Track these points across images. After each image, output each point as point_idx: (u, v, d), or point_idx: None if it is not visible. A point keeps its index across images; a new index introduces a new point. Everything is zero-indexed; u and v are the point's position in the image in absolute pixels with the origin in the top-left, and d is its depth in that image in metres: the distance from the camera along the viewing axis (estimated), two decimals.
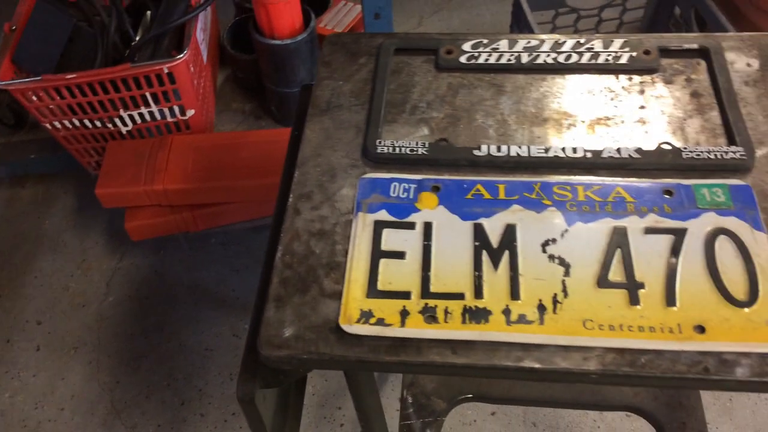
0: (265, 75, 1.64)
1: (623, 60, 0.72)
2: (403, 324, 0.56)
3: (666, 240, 0.59)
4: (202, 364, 1.46)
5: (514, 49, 0.75)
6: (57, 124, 1.48)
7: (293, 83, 1.60)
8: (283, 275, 0.60)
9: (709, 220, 0.60)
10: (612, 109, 0.70)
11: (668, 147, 0.65)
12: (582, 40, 0.74)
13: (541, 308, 0.56)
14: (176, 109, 1.48)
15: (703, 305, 0.55)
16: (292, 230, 0.63)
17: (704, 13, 1.48)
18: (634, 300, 0.56)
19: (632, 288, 0.56)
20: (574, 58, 0.73)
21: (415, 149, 0.67)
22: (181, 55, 1.36)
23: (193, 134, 1.56)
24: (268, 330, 0.57)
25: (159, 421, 1.38)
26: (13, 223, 1.75)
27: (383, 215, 0.63)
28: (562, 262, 0.58)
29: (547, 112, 0.70)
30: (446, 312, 0.56)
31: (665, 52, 0.73)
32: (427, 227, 0.62)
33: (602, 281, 0.57)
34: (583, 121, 0.69)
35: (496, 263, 0.59)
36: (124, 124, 1.49)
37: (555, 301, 0.56)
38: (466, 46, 0.75)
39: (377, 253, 0.60)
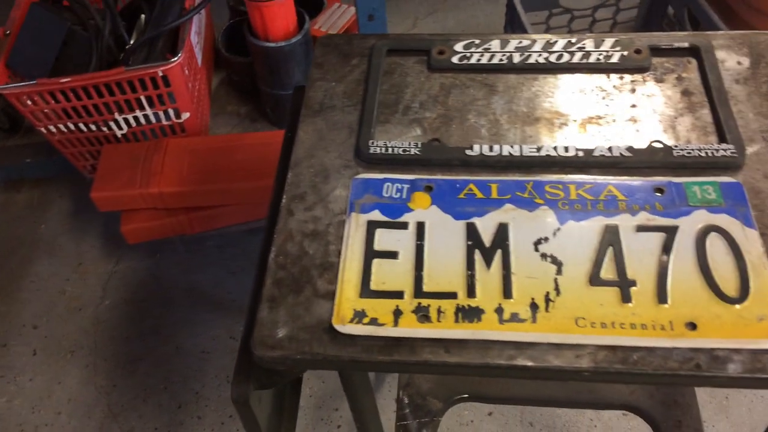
0: (260, 77, 1.64)
1: (614, 59, 0.72)
2: (396, 323, 0.56)
3: (657, 238, 0.59)
4: (198, 366, 1.46)
5: (506, 49, 0.75)
6: (52, 128, 1.48)
7: (288, 85, 1.61)
8: (276, 276, 0.60)
9: (701, 218, 0.60)
10: (603, 108, 0.70)
11: (659, 145, 0.65)
12: (573, 40, 0.75)
13: (534, 307, 0.56)
14: (171, 112, 1.48)
15: (694, 302, 0.55)
16: (286, 231, 0.63)
17: (697, 12, 1.49)
18: (626, 298, 0.56)
19: (624, 286, 0.57)
20: (566, 57, 0.73)
21: (407, 149, 0.67)
22: (176, 58, 1.36)
23: (189, 137, 1.56)
24: (261, 331, 0.57)
25: (156, 425, 1.38)
26: (9, 227, 1.75)
27: (376, 215, 0.63)
28: (555, 261, 0.59)
29: (539, 111, 0.70)
30: (439, 311, 0.56)
31: (656, 50, 0.73)
32: (420, 227, 0.62)
33: (594, 279, 0.57)
34: (574, 120, 0.69)
35: (488, 262, 0.59)
36: (119, 128, 1.50)
37: (547, 300, 0.56)
38: (458, 47, 0.76)
39: (370, 253, 0.60)
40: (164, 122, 1.51)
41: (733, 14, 1.69)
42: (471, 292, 0.57)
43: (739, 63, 0.72)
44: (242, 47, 1.64)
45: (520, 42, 0.75)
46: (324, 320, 0.57)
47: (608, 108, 0.70)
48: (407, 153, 0.67)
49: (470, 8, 2.21)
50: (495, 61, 0.74)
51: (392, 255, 0.60)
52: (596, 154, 0.65)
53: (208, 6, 1.65)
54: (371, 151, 0.67)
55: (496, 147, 0.66)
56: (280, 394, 0.75)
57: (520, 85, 0.73)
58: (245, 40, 1.57)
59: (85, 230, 1.72)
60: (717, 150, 0.64)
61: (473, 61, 0.74)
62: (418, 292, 0.58)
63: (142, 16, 1.58)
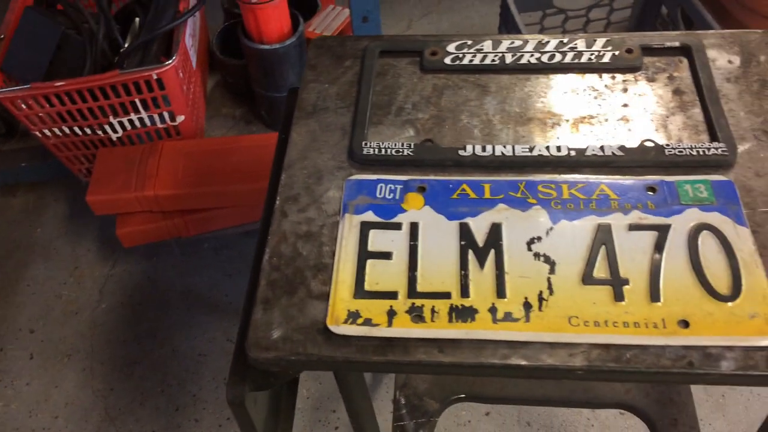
0: (255, 80, 1.64)
1: (606, 59, 0.73)
2: (390, 324, 0.56)
3: (650, 236, 0.59)
4: (195, 369, 1.46)
5: (498, 50, 0.75)
6: (47, 132, 1.48)
7: (283, 87, 1.61)
8: (270, 277, 0.60)
9: (692, 216, 0.60)
10: (595, 107, 0.70)
11: (651, 144, 0.65)
12: (565, 40, 0.75)
13: (527, 306, 0.56)
14: (166, 115, 1.48)
15: (686, 300, 0.55)
16: (279, 233, 0.63)
17: (690, 12, 1.49)
18: (618, 296, 0.56)
19: (617, 284, 0.57)
20: (558, 57, 0.74)
21: (400, 150, 0.67)
22: (170, 61, 1.36)
23: (184, 140, 1.56)
24: (256, 332, 0.57)
25: (153, 428, 1.38)
26: (5, 231, 1.75)
27: (370, 216, 0.63)
28: (548, 260, 0.59)
29: (532, 111, 0.71)
30: (433, 311, 0.57)
31: (648, 50, 0.74)
32: (414, 227, 0.62)
33: (587, 278, 0.57)
34: (567, 120, 0.69)
35: (482, 262, 0.59)
36: (114, 131, 1.50)
37: (540, 299, 0.57)
38: (451, 48, 0.76)
39: (364, 254, 0.61)
40: (159, 125, 1.51)
41: (726, 14, 1.70)
42: (464, 292, 0.58)
43: (730, 62, 0.72)
44: (237, 50, 1.64)
45: (512, 42, 0.75)
46: (318, 321, 0.57)
47: (600, 108, 0.70)
48: (400, 154, 0.67)
49: (465, 10, 2.21)
50: (487, 61, 0.74)
51: (386, 255, 0.61)
52: (588, 153, 0.65)
53: (202, 9, 1.65)
54: (364, 152, 0.67)
55: (489, 147, 0.67)
56: (276, 395, 0.75)
57: (512, 85, 0.73)
58: (240, 42, 1.57)
59: (80, 234, 1.72)
60: (708, 148, 0.64)
61: (466, 61, 0.75)
62: (412, 292, 0.58)
63: (137, 19, 1.58)
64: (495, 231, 0.61)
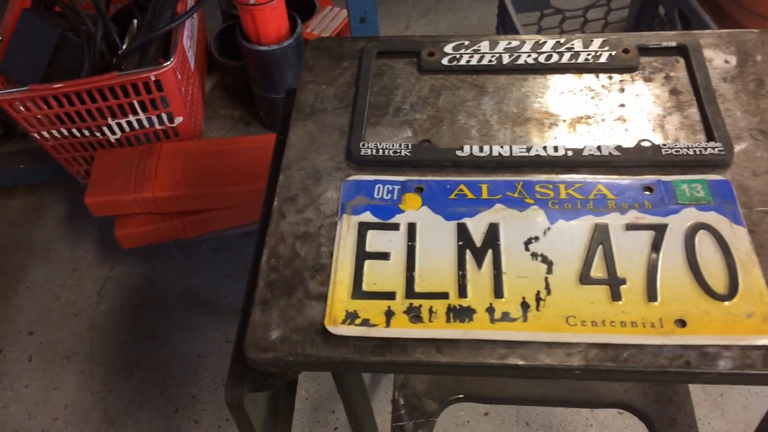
0: (253, 81, 1.64)
1: (603, 59, 0.73)
2: (388, 324, 0.56)
3: (647, 236, 0.59)
4: (195, 370, 1.46)
5: (496, 50, 0.75)
6: (45, 134, 1.48)
7: (281, 88, 1.61)
8: (268, 278, 0.60)
9: (689, 216, 0.60)
10: (592, 107, 0.70)
11: (648, 144, 0.66)
12: (562, 40, 0.75)
13: (525, 306, 0.56)
14: (164, 116, 1.48)
15: (683, 299, 0.56)
16: (277, 234, 0.63)
17: (687, 12, 1.50)
18: (616, 296, 0.56)
19: (614, 284, 0.57)
20: (555, 58, 0.74)
21: (398, 151, 0.68)
22: (168, 63, 1.36)
23: (182, 141, 1.56)
24: (254, 333, 0.57)
25: (153, 429, 1.38)
26: (4, 233, 1.75)
27: (367, 217, 0.63)
28: (545, 260, 0.59)
29: (529, 111, 0.71)
30: (431, 311, 0.57)
31: (644, 50, 0.74)
32: (411, 228, 0.62)
33: (584, 278, 0.58)
34: (564, 120, 0.69)
35: (479, 262, 0.59)
36: (113, 133, 1.50)
37: (538, 299, 0.57)
38: (448, 48, 0.76)
39: (362, 255, 0.61)
40: (157, 127, 1.51)
41: (723, 13, 1.70)
42: (462, 292, 0.58)
43: (726, 61, 0.72)
44: (235, 51, 1.64)
45: (510, 43, 0.76)
46: (316, 322, 0.57)
47: (597, 108, 0.70)
48: (398, 154, 0.67)
49: (462, 10, 2.21)
50: (484, 62, 0.75)
51: (384, 256, 0.61)
52: (586, 153, 0.65)
53: (200, 10, 1.65)
54: (362, 153, 0.68)
55: (486, 147, 0.67)
56: (275, 396, 0.75)
57: (509, 85, 0.73)
58: (238, 43, 1.57)
59: (79, 235, 1.72)
60: (705, 148, 0.64)
61: (463, 62, 0.75)
62: (410, 292, 0.58)
63: (135, 21, 1.58)
64: (492, 231, 0.61)
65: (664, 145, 0.65)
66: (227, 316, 1.54)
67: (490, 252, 0.60)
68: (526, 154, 0.66)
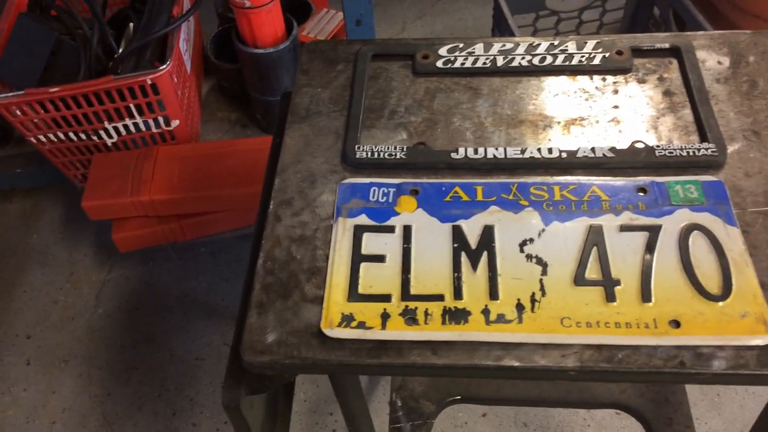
0: (250, 84, 1.65)
1: (596, 61, 0.73)
2: (384, 327, 0.57)
3: (641, 237, 0.60)
4: (193, 373, 1.46)
5: (490, 53, 0.76)
6: (42, 138, 1.48)
7: (277, 91, 1.61)
8: (264, 281, 0.60)
9: (683, 217, 0.61)
10: (586, 109, 0.71)
11: (642, 145, 0.66)
12: (556, 42, 0.75)
13: (520, 307, 0.57)
14: (161, 119, 1.48)
15: (678, 300, 0.56)
16: (273, 237, 0.63)
17: (682, 12, 1.50)
18: (610, 297, 0.57)
19: (608, 285, 0.57)
20: (549, 60, 0.74)
21: (393, 153, 0.68)
22: (164, 66, 1.36)
23: (179, 144, 1.56)
24: (250, 336, 0.57)
25: None
26: (1, 237, 1.75)
27: (363, 219, 0.64)
28: (540, 262, 0.59)
29: (523, 113, 0.71)
30: (426, 314, 0.57)
31: (638, 52, 0.74)
32: (407, 230, 0.62)
33: (579, 279, 0.58)
34: (558, 122, 0.70)
35: (474, 264, 0.60)
36: (109, 136, 1.50)
37: (533, 300, 0.57)
38: (443, 51, 0.76)
39: (357, 257, 0.61)
40: (154, 130, 1.51)
41: (718, 14, 1.70)
42: (458, 294, 0.58)
43: (719, 63, 0.73)
44: (231, 54, 1.64)
45: (504, 45, 0.76)
46: (312, 324, 0.57)
47: (591, 109, 0.70)
48: (393, 157, 0.68)
49: (458, 12, 2.22)
50: (479, 64, 0.75)
51: (379, 258, 0.61)
52: (580, 155, 0.65)
53: (196, 13, 1.65)
54: (357, 155, 0.68)
55: (481, 150, 0.67)
56: (272, 399, 0.76)
57: (504, 88, 0.74)
58: (234, 46, 1.57)
59: (77, 239, 1.72)
60: (698, 149, 0.65)
61: (457, 64, 0.75)
62: (406, 295, 0.58)
63: (131, 24, 1.58)
64: (487, 233, 0.61)
65: (658, 146, 0.66)
66: (225, 318, 1.54)
67: (485, 254, 0.60)
68: (521, 156, 0.66)
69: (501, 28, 1.59)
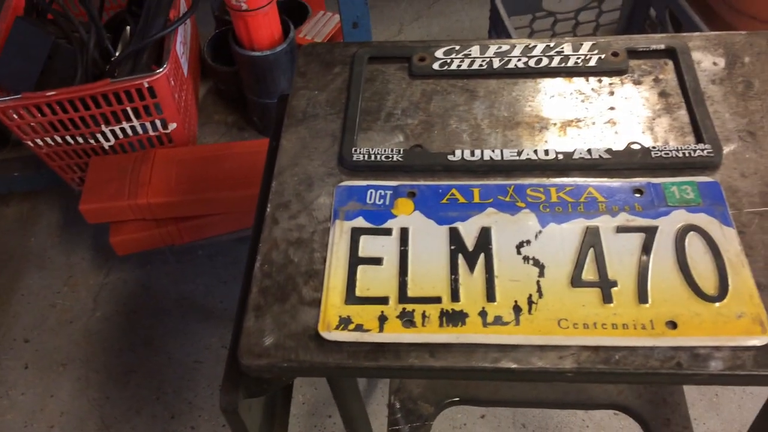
0: (247, 86, 1.65)
1: (592, 62, 0.73)
2: (381, 329, 0.57)
3: (637, 238, 0.60)
4: (191, 376, 1.46)
5: (486, 55, 0.76)
6: (39, 142, 1.48)
7: (274, 93, 1.61)
8: (262, 285, 0.60)
9: (679, 218, 0.61)
10: (582, 111, 0.71)
11: (638, 147, 0.66)
12: (552, 44, 0.76)
13: (517, 309, 0.57)
14: (158, 123, 1.49)
15: (674, 301, 0.56)
16: (271, 240, 0.63)
17: (678, 13, 1.50)
18: (607, 298, 0.57)
19: (605, 286, 0.57)
20: (545, 61, 0.74)
21: (390, 156, 0.68)
22: (161, 69, 1.37)
23: (176, 147, 1.56)
24: (248, 339, 0.57)
25: None
26: None
27: (360, 222, 0.64)
28: (537, 263, 0.59)
29: (520, 115, 0.71)
30: (424, 316, 0.57)
31: (633, 53, 0.74)
32: (404, 233, 0.62)
33: (576, 281, 0.58)
34: (554, 124, 0.70)
35: (471, 266, 0.60)
36: (107, 140, 1.50)
37: (530, 302, 0.57)
38: (439, 53, 0.76)
39: (355, 260, 0.61)
40: (151, 133, 1.51)
41: (714, 15, 1.71)
42: (455, 296, 0.58)
43: (714, 63, 0.73)
44: (228, 57, 1.64)
45: (500, 47, 0.76)
46: (310, 327, 0.57)
47: (587, 111, 0.71)
48: (390, 160, 0.68)
49: (455, 14, 2.22)
50: (475, 66, 0.75)
51: (377, 261, 0.61)
52: (576, 156, 0.66)
53: (193, 16, 1.66)
54: (354, 158, 0.68)
55: (478, 152, 0.67)
56: (271, 401, 0.76)
57: (500, 89, 0.74)
58: (231, 49, 1.58)
59: (74, 243, 1.72)
60: (694, 150, 0.65)
61: (454, 67, 0.75)
62: (403, 297, 0.58)
63: (127, 27, 1.58)
64: (484, 235, 0.61)
65: (654, 147, 0.66)
66: (223, 321, 1.54)
67: (482, 256, 0.60)
68: (517, 158, 0.66)
69: (498, 30, 1.59)
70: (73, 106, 1.39)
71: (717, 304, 0.56)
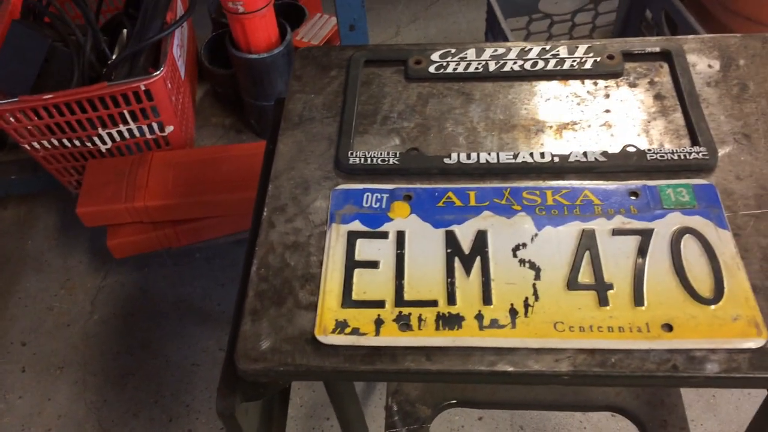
0: (244, 89, 1.65)
1: (588, 65, 0.74)
2: (377, 333, 0.57)
3: (633, 241, 0.60)
4: (189, 379, 1.46)
5: (482, 58, 0.76)
6: (36, 145, 1.48)
7: (271, 96, 1.61)
8: (258, 288, 0.60)
9: (675, 220, 0.61)
10: (578, 113, 0.71)
11: (633, 149, 0.66)
12: (547, 47, 0.76)
13: (513, 312, 0.57)
14: (155, 125, 1.48)
15: (670, 304, 0.56)
16: (267, 243, 0.63)
17: (674, 15, 1.51)
18: (603, 301, 0.57)
19: (601, 289, 0.57)
20: (541, 64, 0.74)
21: (386, 159, 0.68)
22: (158, 72, 1.37)
23: (173, 150, 1.56)
24: (245, 343, 0.57)
25: None
26: None
27: (356, 226, 0.64)
28: (533, 266, 0.59)
29: (516, 118, 0.71)
30: (420, 319, 0.57)
31: (629, 56, 0.74)
32: (400, 236, 0.63)
33: (572, 283, 0.58)
34: (550, 127, 0.70)
35: (468, 269, 0.60)
36: (103, 143, 1.50)
37: (526, 305, 0.57)
38: (435, 56, 0.77)
39: (351, 264, 0.61)
40: (148, 136, 1.51)
41: (709, 16, 1.71)
42: (451, 299, 0.58)
43: (710, 66, 0.73)
44: (225, 59, 1.64)
45: (496, 50, 0.76)
46: (306, 331, 0.57)
47: (583, 114, 0.71)
48: (386, 163, 0.68)
49: (452, 16, 2.22)
50: (471, 69, 0.75)
51: (373, 265, 0.61)
52: (572, 159, 0.66)
53: (190, 19, 1.65)
54: (350, 161, 0.68)
55: (474, 155, 0.67)
56: (268, 405, 0.76)
57: (496, 92, 0.74)
58: (228, 52, 1.58)
59: (71, 245, 1.72)
60: (690, 153, 0.65)
61: (450, 70, 0.75)
62: (399, 300, 0.58)
63: (124, 30, 1.58)
64: (481, 238, 0.62)
65: (649, 150, 0.66)
66: (221, 324, 1.54)
67: (478, 259, 0.60)
68: (513, 160, 0.66)
69: (494, 32, 1.59)
70: (70, 109, 1.39)
71: (712, 307, 0.56)
